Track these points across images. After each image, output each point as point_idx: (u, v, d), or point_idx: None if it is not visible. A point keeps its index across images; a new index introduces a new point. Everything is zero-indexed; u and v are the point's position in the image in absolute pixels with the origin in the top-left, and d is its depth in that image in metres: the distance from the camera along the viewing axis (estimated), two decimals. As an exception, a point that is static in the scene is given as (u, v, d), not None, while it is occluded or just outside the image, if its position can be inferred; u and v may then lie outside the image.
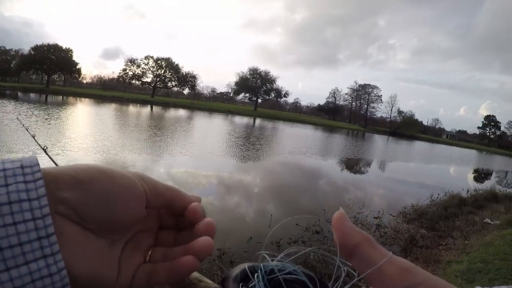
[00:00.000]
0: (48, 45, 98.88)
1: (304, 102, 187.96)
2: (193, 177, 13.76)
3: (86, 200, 0.35)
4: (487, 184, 22.11)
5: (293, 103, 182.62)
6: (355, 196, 13.83)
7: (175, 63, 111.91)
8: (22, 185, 0.29)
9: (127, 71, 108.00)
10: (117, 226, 0.37)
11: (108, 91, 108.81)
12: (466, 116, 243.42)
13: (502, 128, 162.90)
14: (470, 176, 31.47)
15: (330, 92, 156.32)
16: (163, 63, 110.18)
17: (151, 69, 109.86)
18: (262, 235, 8.04)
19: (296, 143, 32.85)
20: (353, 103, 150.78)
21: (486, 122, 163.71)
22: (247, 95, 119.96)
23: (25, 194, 0.29)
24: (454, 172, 32.61)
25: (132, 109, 58.62)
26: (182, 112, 65.22)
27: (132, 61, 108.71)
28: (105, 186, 0.36)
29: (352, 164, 24.38)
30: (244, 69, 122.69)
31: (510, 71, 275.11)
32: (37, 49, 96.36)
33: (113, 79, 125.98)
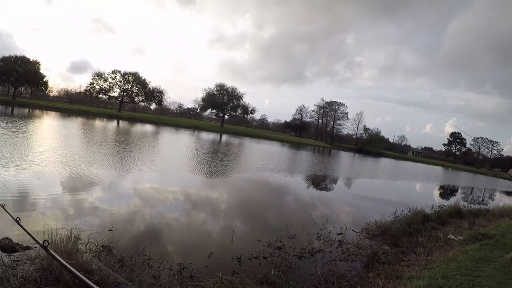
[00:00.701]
0: (16, 56, 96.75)
1: (271, 119, 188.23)
2: (160, 193, 13.48)
3: None
4: (452, 200, 22.46)
5: (260, 119, 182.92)
6: (320, 212, 13.75)
7: (142, 78, 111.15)
8: None
9: (94, 85, 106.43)
10: None
11: (75, 105, 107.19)
12: (432, 133, 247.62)
13: (468, 145, 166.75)
14: (435, 192, 31.97)
15: (297, 109, 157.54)
16: (130, 77, 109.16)
17: (118, 83, 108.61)
18: (224, 251, 7.93)
19: (263, 160, 32.81)
20: (320, 120, 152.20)
21: (452, 139, 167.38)
22: (214, 111, 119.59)
23: None
24: (419, 189, 33.05)
25: (99, 123, 57.88)
26: (149, 128, 64.67)
27: (99, 75, 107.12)
28: None
29: (318, 181, 24.43)
30: (211, 85, 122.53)
31: (475, 89, 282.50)
32: (4, 60, 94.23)
33: (80, 92, 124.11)
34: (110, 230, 8.12)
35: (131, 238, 7.96)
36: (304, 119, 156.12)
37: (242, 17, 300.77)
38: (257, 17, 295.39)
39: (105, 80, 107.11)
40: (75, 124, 45.78)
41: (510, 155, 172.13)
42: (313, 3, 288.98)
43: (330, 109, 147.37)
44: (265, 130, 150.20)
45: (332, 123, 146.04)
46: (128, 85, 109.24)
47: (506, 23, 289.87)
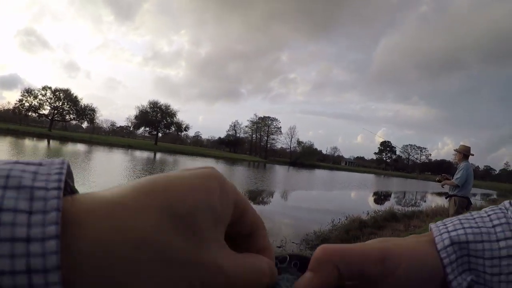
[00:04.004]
0: None
1: (205, 135, 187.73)
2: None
3: None
4: (387, 205, 22.74)
5: (194, 136, 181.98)
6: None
7: (74, 95, 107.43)
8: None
9: (23, 102, 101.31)
10: None
11: (3, 123, 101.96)
12: (364, 143, 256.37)
13: (398, 152, 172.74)
14: (370, 199, 32.50)
15: (231, 125, 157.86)
16: (61, 94, 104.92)
17: (49, 100, 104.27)
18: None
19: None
20: (253, 135, 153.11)
21: (382, 148, 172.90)
22: (147, 129, 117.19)
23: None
24: (354, 197, 33.51)
25: (28, 143, 55.12)
26: (81, 147, 62.27)
27: (29, 92, 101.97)
28: None
29: (256, 195, 24.27)
30: (145, 102, 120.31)
31: (403, 101, 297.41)
32: None
33: (8, 110, 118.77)
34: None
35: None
36: (238, 135, 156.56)
37: (177, 34, 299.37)
38: (193, 34, 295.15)
39: (35, 97, 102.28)
40: (2, 144, 43.53)
41: (438, 159, 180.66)
42: (250, 22, 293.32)
43: (263, 124, 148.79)
44: (199, 147, 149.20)
45: (266, 138, 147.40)
46: (59, 102, 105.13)
47: (431, 41, 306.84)
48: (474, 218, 0.48)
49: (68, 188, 0.32)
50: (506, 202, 0.48)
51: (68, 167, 0.33)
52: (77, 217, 0.29)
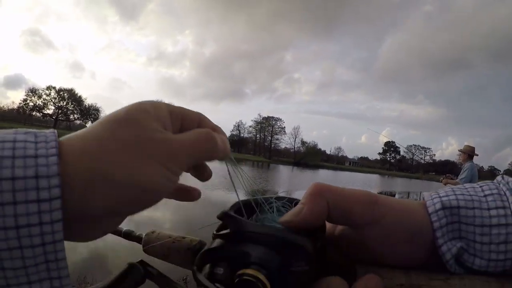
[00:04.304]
0: None
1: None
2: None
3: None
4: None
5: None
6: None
7: (78, 95, 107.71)
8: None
9: (28, 101, 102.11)
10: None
11: (7, 123, 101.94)
12: (368, 143, 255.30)
13: (402, 153, 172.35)
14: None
15: (234, 125, 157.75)
16: (65, 94, 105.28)
17: (53, 100, 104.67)
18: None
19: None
20: (257, 135, 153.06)
21: (386, 148, 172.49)
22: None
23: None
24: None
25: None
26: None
27: (33, 91, 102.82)
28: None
29: (259, 195, 24.29)
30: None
31: (408, 100, 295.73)
32: None
33: (13, 109, 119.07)
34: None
35: (70, 265, 7.50)
36: (242, 135, 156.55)
37: (181, 34, 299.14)
38: (197, 34, 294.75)
39: (39, 97, 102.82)
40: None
41: (442, 159, 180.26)
42: (254, 21, 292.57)
43: (267, 124, 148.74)
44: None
45: (269, 138, 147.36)
46: (63, 102, 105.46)
47: (437, 40, 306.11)
48: (466, 188, 0.50)
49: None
50: (499, 177, 0.49)
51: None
52: (67, 144, 0.39)
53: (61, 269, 0.37)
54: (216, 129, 0.52)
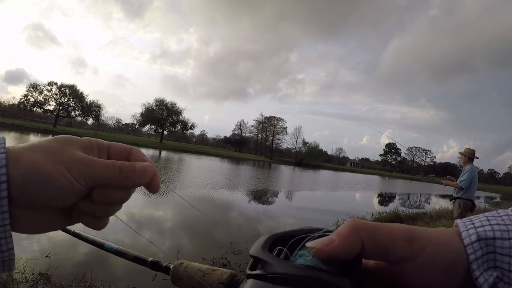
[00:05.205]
0: None
1: (210, 134, 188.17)
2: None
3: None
4: (391, 207, 22.75)
5: (199, 135, 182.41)
6: (264, 226, 13.48)
7: (80, 91, 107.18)
8: None
9: (29, 97, 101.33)
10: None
11: (7, 119, 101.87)
12: (369, 145, 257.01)
13: (403, 154, 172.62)
14: (375, 200, 32.59)
15: (236, 125, 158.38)
16: (67, 90, 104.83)
17: (54, 96, 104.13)
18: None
19: (204, 176, 32.40)
20: (259, 135, 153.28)
21: (388, 149, 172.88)
22: (153, 126, 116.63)
23: None
24: (359, 198, 33.54)
25: (33, 138, 55.28)
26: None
27: (34, 87, 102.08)
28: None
29: (261, 195, 24.28)
30: (152, 99, 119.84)
31: (410, 103, 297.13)
32: None
33: (13, 105, 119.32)
34: (47, 256, 7.64)
35: (70, 264, 7.51)
36: (244, 134, 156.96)
37: (186, 32, 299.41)
38: (202, 33, 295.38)
39: (41, 93, 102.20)
40: (8, 140, 43.66)
41: (443, 162, 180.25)
42: (260, 22, 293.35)
43: (269, 124, 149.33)
44: (205, 146, 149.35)
45: (271, 137, 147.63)
46: (64, 98, 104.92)
47: (441, 44, 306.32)
48: (500, 216, 0.49)
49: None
50: None
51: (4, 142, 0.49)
52: (14, 152, 0.48)
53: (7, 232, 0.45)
54: (146, 161, 0.58)
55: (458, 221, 0.50)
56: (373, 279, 0.46)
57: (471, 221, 0.49)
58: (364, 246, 0.43)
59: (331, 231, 0.47)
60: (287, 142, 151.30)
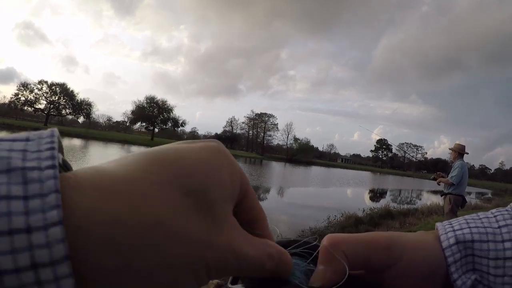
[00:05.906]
0: None
1: (201, 131, 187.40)
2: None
3: None
4: (382, 203, 22.78)
5: (190, 132, 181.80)
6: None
7: (70, 90, 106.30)
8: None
9: (19, 96, 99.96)
10: None
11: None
12: (360, 141, 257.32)
13: (394, 151, 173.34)
14: (366, 196, 32.70)
15: (227, 121, 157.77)
16: (57, 89, 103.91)
17: (45, 95, 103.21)
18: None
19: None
20: (250, 132, 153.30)
21: (379, 146, 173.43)
22: (144, 124, 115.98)
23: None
24: (350, 194, 33.60)
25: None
26: (77, 142, 62.32)
27: (25, 86, 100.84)
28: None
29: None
30: (143, 97, 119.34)
31: (401, 99, 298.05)
32: None
33: (4, 104, 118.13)
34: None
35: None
36: (235, 131, 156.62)
37: (177, 29, 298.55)
38: (193, 30, 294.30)
39: (31, 91, 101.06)
40: None
41: (434, 157, 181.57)
42: (251, 19, 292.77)
43: (260, 121, 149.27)
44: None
45: (262, 134, 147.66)
46: (55, 97, 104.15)
47: (432, 41, 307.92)
48: (480, 219, 0.49)
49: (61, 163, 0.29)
50: None
51: (59, 138, 0.30)
52: (79, 198, 0.26)
53: None
54: (269, 237, 0.43)
55: (438, 224, 0.50)
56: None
57: (451, 224, 0.49)
58: (348, 259, 0.42)
59: (309, 243, 0.45)
60: (278, 138, 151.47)
